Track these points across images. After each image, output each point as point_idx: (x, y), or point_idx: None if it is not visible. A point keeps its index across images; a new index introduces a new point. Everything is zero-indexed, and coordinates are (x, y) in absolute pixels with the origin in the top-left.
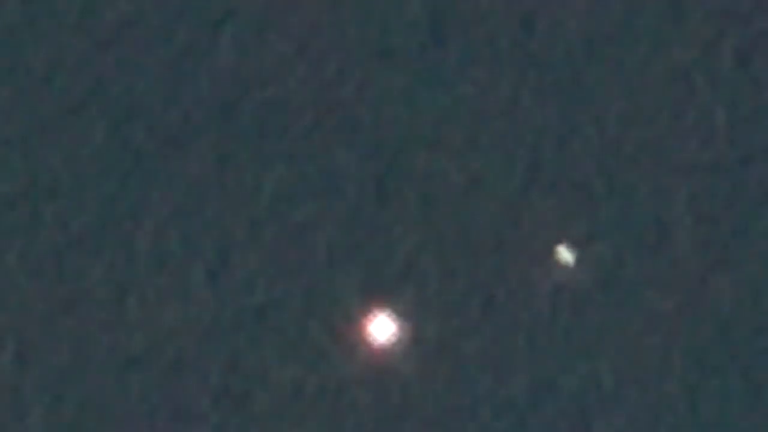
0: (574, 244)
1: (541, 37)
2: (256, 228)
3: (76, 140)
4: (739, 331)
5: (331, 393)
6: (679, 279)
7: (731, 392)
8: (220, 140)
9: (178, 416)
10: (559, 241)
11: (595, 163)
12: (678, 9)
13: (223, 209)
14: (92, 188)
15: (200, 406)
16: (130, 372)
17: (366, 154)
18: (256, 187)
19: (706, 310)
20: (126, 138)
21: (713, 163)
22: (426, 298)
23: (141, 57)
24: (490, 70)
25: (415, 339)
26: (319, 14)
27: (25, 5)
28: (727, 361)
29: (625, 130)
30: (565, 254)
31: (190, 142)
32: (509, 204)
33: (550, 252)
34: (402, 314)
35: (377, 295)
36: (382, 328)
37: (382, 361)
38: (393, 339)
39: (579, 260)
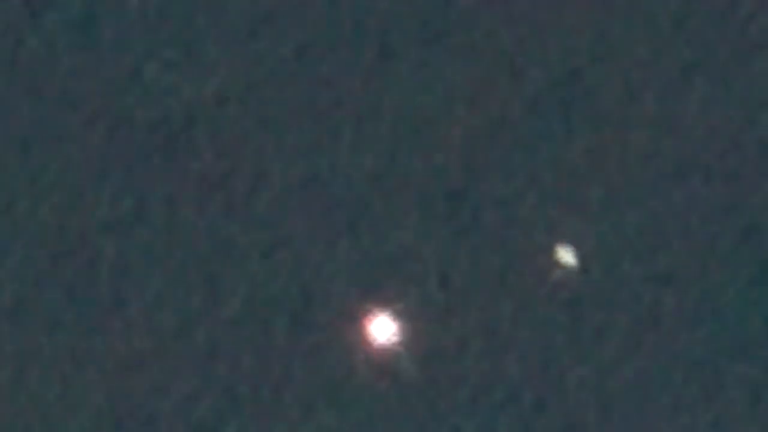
0: (575, 244)
1: (541, 37)
2: (256, 227)
3: (75, 140)
4: (739, 330)
5: (332, 393)
6: (679, 279)
7: (732, 392)
8: (219, 140)
9: (178, 416)
10: (559, 242)
11: (595, 162)
12: (678, 11)
13: (223, 208)
14: (92, 188)
15: (200, 406)
16: (130, 372)
17: (366, 154)
18: (256, 186)
19: (706, 310)
20: (126, 137)
21: (713, 164)
22: (426, 299)
23: (141, 57)
24: (490, 70)
25: (415, 339)
26: (319, 14)
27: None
28: (728, 361)
29: (625, 131)
30: (565, 254)
31: (190, 141)
32: (509, 204)
33: (550, 252)
34: (402, 315)
35: (377, 295)
36: (382, 328)
37: (382, 362)
38: (393, 339)
39: (579, 260)
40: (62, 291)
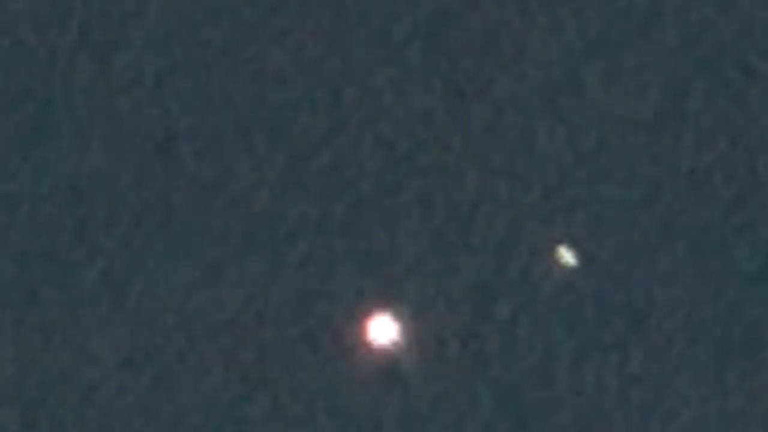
0: (575, 245)
1: (541, 37)
2: (256, 227)
3: (75, 140)
4: (740, 330)
5: (332, 393)
6: (679, 279)
7: (732, 392)
8: (219, 140)
9: (177, 416)
10: (559, 242)
11: (595, 163)
12: (678, 13)
13: (223, 208)
14: (92, 189)
15: (199, 406)
16: (129, 372)
17: (366, 154)
18: (256, 186)
19: (706, 310)
20: (127, 137)
21: (712, 164)
22: (426, 299)
23: (141, 57)
24: (490, 70)
25: (415, 340)
26: (319, 15)
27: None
28: (729, 361)
29: (625, 131)
30: (565, 255)
31: (190, 142)
32: (510, 204)
33: (550, 252)
34: (402, 315)
35: (377, 295)
36: (382, 329)
37: (382, 362)
38: (393, 340)
39: (579, 260)
40: (61, 291)
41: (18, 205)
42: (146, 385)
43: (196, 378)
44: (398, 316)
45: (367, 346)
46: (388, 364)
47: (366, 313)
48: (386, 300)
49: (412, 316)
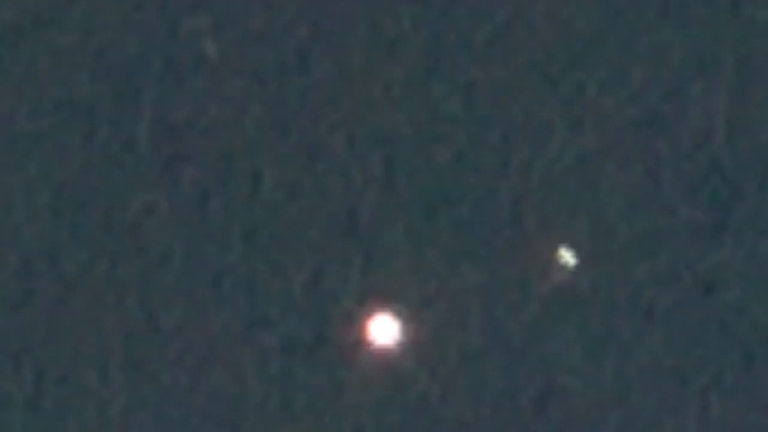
0: (575, 245)
1: (541, 36)
2: (256, 227)
3: (75, 140)
4: (740, 330)
5: (332, 393)
6: (679, 279)
7: (732, 392)
8: (219, 140)
9: (177, 416)
10: (559, 243)
11: (595, 163)
12: (677, 12)
13: (223, 208)
14: (93, 192)
15: (200, 405)
16: (129, 372)
17: (366, 154)
18: (256, 186)
19: (706, 310)
20: (127, 138)
21: (712, 164)
22: (426, 299)
23: (141, 57)
24: (490, 70)
25: (415, 340)
26: (319, 15)
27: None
28: (729, 361)
29: (625, 131)
30: (565, 256)
31: (190, 142)
32: (510, 204)
33: (550, 253)
34: (402, 315)
35: (377, 295)
36: (382, 329)
37: (382, 362)
38: (394, 340)
39: (579, 261)
40: (62, 290)
41: (17, 205)
42: (146, 385)
43: (195, 378)
44: (398, 316)
45: (367, 346)
46: (388, 364)
47: (366, 313)
48: (386, 300)
49: (412, 316)
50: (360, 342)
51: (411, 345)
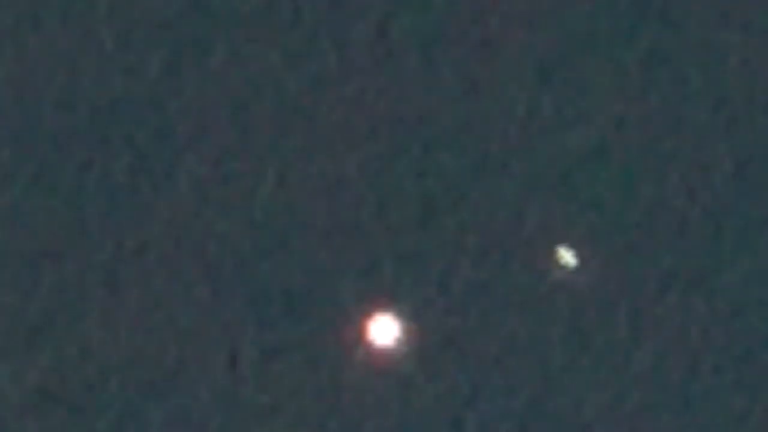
0: (575, 245)
1: (541, 36)
2: (256, 227)
3: (74, 140)
4: (739, 330)
5: (332, 393)
6: (678, 280)
7: (731, 392)
8: (219, 140)
9: (177, 416)
10: (560, 243)
11: (595, 162)
12: (678, 11)
13: (223, 208)
14: (92, 188)
15: (200, 406)
16: (128, 372)
17: (366, 154)
18: (256, 186)
19: (705, 310)
20: (127, 138)
21: (713, 163)
22: (426, 299)
23: (140, 58)
24: (490, 70)
25: (416, 340)
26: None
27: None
28: (728, 361)
29: (625, 131)
30: (565, 255)
31: (190, 142)
32: (510, 204)
33: (551, 253)
34: (403, 315)
35: (378, 295)
36: (383, 329)
37: (383, 362)
38: (394, 340)
39: (579, 260)
40: (62, 290)
41: (18, 206)
42: (146, 385)
43: (195, 378)
44: (398, 316)
45: (367, 346)
46: (388, 364)
47: (366, 313)
48: (386, 300)
49: (412, 316)
50: (360, 342)
51: (411, 345)
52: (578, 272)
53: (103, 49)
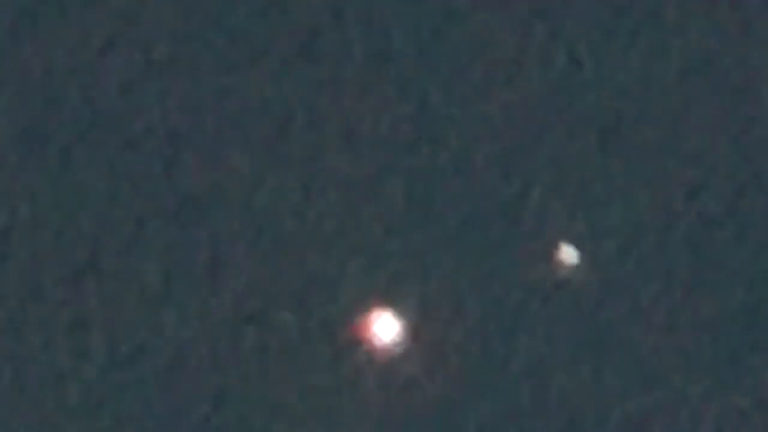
0: (575, 245)
1: (541, 37)
2: (257, 226)
3: (74, 141)
4: (739, 330)
5: (333, 392)
6: (679, 279)
7: (731, 392)
8: (219, 140)
9: (178, 416)
10: (562, 240)
11: (596, 162)
12: (679, 11)
13: (223, 209)
14: (91, 189)
15: (200, 405)
16: (129, 372)
17: (365, 154)
18: (257, 186)
19: (706, 310)
20: (127, 138)
21: (713, 163)
22: (427, 299)
23: (140, 58)
24: (490, 70)
25: (416, 339)
26: (319, 15)
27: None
28: (727, 362)
29: (625, 130)
30: (568, 253)
31: (190, 143)
32: (510, 203)
33: (551, 251)
34: (403, 315)
35: (378, 295)
36: (383, 328)
37: (384, 361)
38: (395, 339)
39: (580, 260)
40: (61, 290)
41: (19, 207)
42: (146, 385)
43: (195, 377)
44: (399, 316)
45: (367, 345)
46: (389, 363)
47: (367, 313)
48: (387, 300)
49: (413, 316)
50: (361, 341)
51: (410, 346)
52: (580, 269)
53: (114, 44)
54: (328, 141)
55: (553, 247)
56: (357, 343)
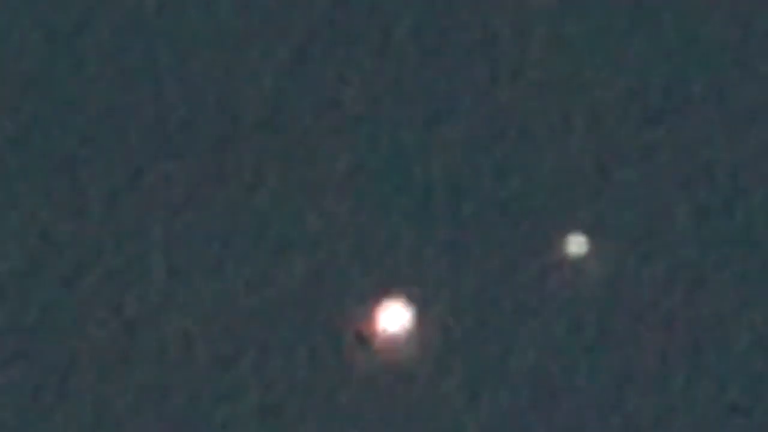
0: (576, 243)
1: (539, 35)
2: (258, 223)
3: (74, 141)
4: (738, 331)
5: (336, 390)
6: (679, 279)
7: (730, 392)
8: (220, 140)
9: (178, 416)
10: (566, 236)
11: (596, 162)
12: (678, 9)
13: (225, 207)
14: (92, 192)
15: (200, 405)
16: (129, 372)
17: (366, 154)
18: (258, 184)
19: (706, 311)
20: (127, 138)
21: (714, 163)
22: (428, 299)
23: (140, 58)
24: (490, 69)
25: (417, 338)
26: (319, 14)
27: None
28: (726, 361)
29: (625, 129)
30: (576, 245)
31: (190, 143)
32: (510, 202)
33: (552, 250)
34: (404, 314)
35: (379, 295)
36: (383, 328)
37: (386, 358)
38: (395, 338)
39: (581, 259)
40: (62, 290)
41: (19, 208)
42: (145, 384)
43: (196, 377)
44: (400, 315)
45: (367, 345)
46: (390, 362)
47: (367, 313)
48: (387, 300)
49: (414, 316)
50: (361, 341)
51: (412, 344)
52: (588, 260)
53: (103, 47)
54: (329, 139)
55: (553, 246)
56: (357, 342)
